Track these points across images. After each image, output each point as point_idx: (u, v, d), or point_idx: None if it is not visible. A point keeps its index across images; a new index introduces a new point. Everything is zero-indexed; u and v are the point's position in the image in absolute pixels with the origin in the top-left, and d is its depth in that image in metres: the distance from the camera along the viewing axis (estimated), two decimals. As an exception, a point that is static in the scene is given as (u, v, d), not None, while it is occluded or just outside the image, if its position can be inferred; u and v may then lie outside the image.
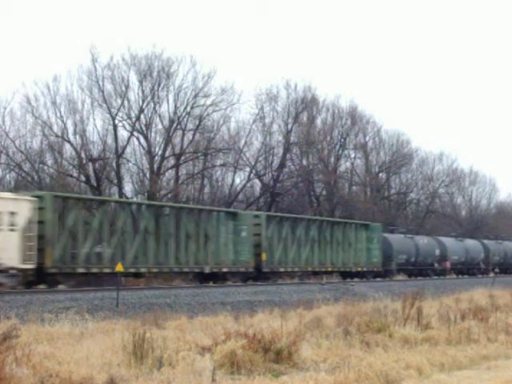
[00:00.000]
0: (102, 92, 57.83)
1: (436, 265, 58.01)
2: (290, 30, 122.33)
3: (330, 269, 45.21)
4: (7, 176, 59.30)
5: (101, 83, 57.83)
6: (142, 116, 59.47)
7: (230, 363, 13.15)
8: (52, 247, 29.46)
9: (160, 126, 60.80)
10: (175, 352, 13.28)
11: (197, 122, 61.10)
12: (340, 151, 73.72)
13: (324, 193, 72.95)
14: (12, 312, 20.22)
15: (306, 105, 70.53)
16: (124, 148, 59.30)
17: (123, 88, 58.35)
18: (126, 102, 58.59)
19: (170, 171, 62.31)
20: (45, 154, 58.64)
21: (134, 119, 59.06)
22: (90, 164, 57.82)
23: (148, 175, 60.15)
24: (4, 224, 27.49)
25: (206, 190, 67.60)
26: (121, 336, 14.25)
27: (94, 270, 31.01)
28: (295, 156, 71.16)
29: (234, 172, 67.22)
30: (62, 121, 57.90)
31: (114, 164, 58.57)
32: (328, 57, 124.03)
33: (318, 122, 73.14)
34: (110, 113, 58.29)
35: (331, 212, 68.74)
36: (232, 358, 13.22)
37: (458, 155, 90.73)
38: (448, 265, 59.21)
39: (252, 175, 68.20)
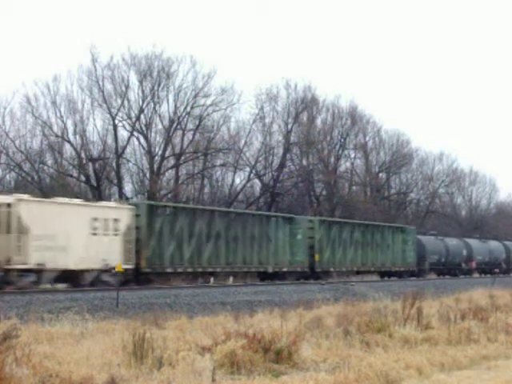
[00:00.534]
0: (102, 92, 57.88)
1: (463, 264, 61.88)
2: (289, 30, 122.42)
3: (372, 268, 49.67)
4: (7, 176, 59.40)
5: (101, 83, 57.91)
6: (142, 116, 59.53)
7: (230, 363, 13.15)
8: (146, 250, 33.34)
9: (160, 126, 60.89)
10: (175, 352, 13.27)
11: (197, 122, 61.14)
12: (340, 151, 73.75)
13: (324, 193, 72.97)
14: (12, 312, 20.21)
15: (306, 105, 70.55)
16: (124, 148, 59.33)
17: (123, 88, 58.41)
18: (126, 102, 58.65)
19: (170, 171, 62.36)
20: (45, 154, 58.69)
21: (134, 119, 59.10)
22: (90, 164, 57.86)
23: (148, 175, 60.19)
24: (109, 230, 31.50)
25: (206, 189, 67.65)
26: (121, 336, 14.25)
27: (179, 270, 35.16)
28: (295, 156, 71.19)
29: (234, 172, 67.28)
30: (62, 121, 57.98)
31: (114, 164, 58.60)
32: (328, 57, 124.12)
33: (318, 122, 73.21)
34: (110, 113, 58.34)
35: (331, 212, 68.77)
36: (232, 358, 13.22)
37: (457, 155, 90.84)
38: (474, 265, 62.92)
39: (252, 175, 68.25)
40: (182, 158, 61.59)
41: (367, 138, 77.33)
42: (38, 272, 28.82)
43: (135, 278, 32.93)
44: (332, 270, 45.51)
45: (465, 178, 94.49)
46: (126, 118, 59.14)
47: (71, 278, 30.34)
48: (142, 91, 59.01)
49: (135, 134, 59.90)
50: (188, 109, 60.56)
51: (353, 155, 76.39)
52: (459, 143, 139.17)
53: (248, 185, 69.05)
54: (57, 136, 57.77)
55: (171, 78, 60.06)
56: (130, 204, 34.47)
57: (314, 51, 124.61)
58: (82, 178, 58.22)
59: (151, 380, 11.83)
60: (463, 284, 41.45)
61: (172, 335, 15.85)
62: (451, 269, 60.03)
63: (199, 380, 11.92)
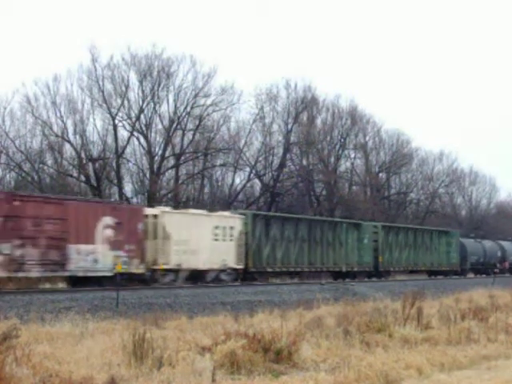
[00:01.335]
0: (102, 92, 57.85)
1: (498, 265, 65.88)
2: (289, 30, 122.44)
3: (423, 268, 55.37)
4: (7, 176, 59.34)
5: (101, 83, 57.87)
6: (142, 116, 59.51)
7: (230, 363, 13.14)
8: (252, 252, 39.19)
9: (160, 126, 60.87)
10: (175, 352, 13.27)
11: (197, 122, 61.12)
12: (340, 151, 73.74)
13: (324, 193, 72.97)
14: (12, 312, 20.22)
15: (306, 105, 70.54)
16: (124, 148, 59.31)
17: (123, 88, 58.39)
18: (126, 102, 58.62)
19: (169, 171, 62.34)
20: (45, 154, 58.65)
21: (134, 119, 59.07)
22: (90, 164, 57.84)
23: (148, 175, 60.17)
24: (227, 236, 37.32)
25: (206, 189, 67.65)
26: (121, 336, 14.25)
27: (277, 269, 41.24)
28: (295, 156, 71.19)
29: (234, 172, 67.27)
30: (62, 121, 57.94)
31: (114, 164, 58.58)
32: (328, 56, 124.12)
33: (318, 122, 73.18)
34: (110, 113, 58.32)
35: (331, 212, 68.79)
36: (232, 358, 13.21)
37: (457, 155, 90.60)
38: (507, 265, 67.57)
39: (252, 175, 68.24)
40: (182, 158, 61.58)
41: (367, 138, 77.34)
42: (176, 271, 34.39)
43: (244, 276, 38.74)
44: (392, 269, 51.58)
45: (465, 178, 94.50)
46: (126, 118, 59.13)
47: (198, 276, 35.71)
48: (142, 91, 59.01)
49: (135, 134, 59.90)
50: (188, 109, 60.57)
51: (353, 155, 76.42)
52: (459, 143, 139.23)
53: (248, 185, 69.08)
54: (57, 136, 57.74)
55: (171, 78, 60.08)
56: (240, 213, 40.02)
57: (314, 51, 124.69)
58: (82, 178, 58.19)
59: (151, 380, 11.83)
60: (463, 284, 41.47)
61: (172, 335, 15.85)
62: (487, 268, 64.60)
63: (199, 380, 11.92)
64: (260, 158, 68.03)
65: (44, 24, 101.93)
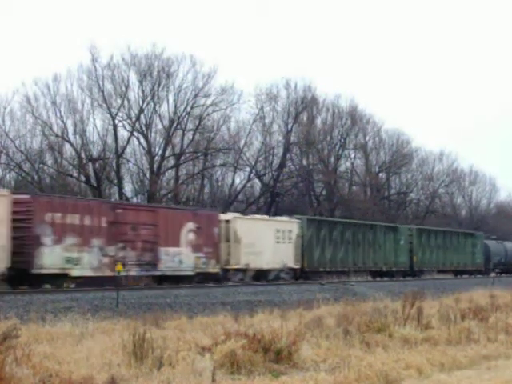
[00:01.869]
0: (102, 92, 57.84)
1: None
2: (289, 30, 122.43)
3: (451, 267, 59.33)
4: (7, 176, 59.32)
5: (101, 83, 57.86)
6: (142, 116, 59.50)
7: (230, 363, 13.13)
8: (307, 253, 42.96)
9: (160, 126, 60.86)
10: (175, 352, 13.26)
11: (197, 122, 61.11)
12: (340, 151, 73.74)
13: (324, 193, 72.97)
14: (12, 312, 20.21)
15: (306, 105, 70.53)
16: (124, 148, 59.31)
17: (123, 88, 58.38)
18: (126, 102, 58.61)
19: (169, 171, 62.33)
20: (45, 154, 58.63)
21: (134, 119, 59.06)
22: (90, 164, 57.83)
23: (148, 175, 60.16)
24: (286, 238, 41.27)
25: (206, 189, 67.63)
26: (121, 336, 14.24)
27: (327, 269, 44.93)
28: (295, 156, 71.17)
29: (234, 172, 67.26)
30: (62, 121, 57.93)
31: (114, 164, 58.57)
32: (328, 56, 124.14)
33: (318, 122, 73.17)
34: (110, 113, 58.31)
35: (331, 212, 68.79)
36: (232, 358, 13.20)
37: (457, 155, 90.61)
38: None
39: (252, 175, 68.24)
40: (182, 158, 61.57)
41: (367, 138, 77.32)
42: (244, 271, 38.30)
43: (301, 275, 42.47)
44: (425, 268, 55.58)
45: (465, 177, 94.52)
46: (126, 118, 59.13)
47: (262, 275, 39.48)
48: (142, 91, 59.01)
49: (135, 134, 59.89)
50: (188, 109, 60.56)
51: (353, 155, 76.42)
52: (459, 143, 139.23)
53: (248, 185, 69.08)
54: (57, 136, 57.73)
55: (171, 78, 60.07)
56: (296, 218, 43.61)
57: (314, 51, 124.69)
58: (82, 178, 58.18)
59: (151, 380, 11.83)
60: (463, 284, 41.46)
61: (172, 335, 15.84)
62: (509, 268, 68.04)
63: (199, 380, 11.92)
64: (260, 158, 68.04)
65: (44, 24, 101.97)
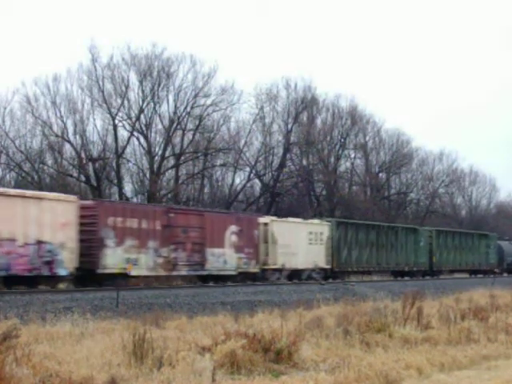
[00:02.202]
0: (102, 92, 57.82)
1: None
2: (289, 30, 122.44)
3: (467, 267, 62.04)
4: (7, 176, 59.33)
5: (101, 83, 57.84)
6: (142, 116, 59.48)
7: (230, 363, 13.13)
8: (335, 254, 45.40)
9: (160, 126, 60.85)
10: (175, 352, 13.26)
11: (197, 122, 61.09)
12: (340, 151, 73.72)
13: (324, 193, 72.95)
14: (12, 312, 20.21)
15: (306, 105, 70.51)
16: (124, 148, 59.29)
17: (123, 88, 58.36)
18: (126, 102, 58.59)
19: (170, 171, 62.31)
20: (45, 154, 58.62)
21: (134, 119, 59.05)
22: (90, 164, 57.81)
23: (148, 175, 60.15)
24: (318, 240, 43.77)
25: (206, 189, 67.62)
26: (121, 336, 14.24)
27: (354, 269, 47.79)
28: (295, 156, 71.16)
29: (234, 172, 67.25)
30: (62, 121, 57.91)
31: (114, 164, 58.55)
32: (328, 56, 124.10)
33: (318, 122, 73.16)
34: (110, 113, 58.29)
35: (331, 212, 68.76)
36: (232, 358, 13.20)
37: (457, 155, 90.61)
38: None
39: (252, 175, 68.22)
40: (182, 157, 61.55)
41: (367, 138, 77.31)
42: (280, 271, 40.73)
43: (331, 274, 45.04)
44: (443, 268, 58.49)
45: (465, 177, 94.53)
46: (126, 118, 59.11)
47: (296, 275, 41.88)
48: (142, 91, 58.99)
49: (135, 134, 59.88)
50: (188, 109, 60.55)
51: (353, 155, 76.39)
52: (459, 143, 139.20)
53: (248, 185, 69.05)
54: (57, 136, 57.72)
55: (171, 78, 60.05)
56: (326, 221, 46.46)
57: (314, 51, 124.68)
58: (82, 178, 58.18)
59: (151, 380, 11.83)
60: (463, 284, 41.44)
61: (172, 335, 15.84)
62: None
63: (199, 380, 11.92)
64: (260, 158, 68.03)
65: (44, 24, 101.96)
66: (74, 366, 12.18)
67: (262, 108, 68.21)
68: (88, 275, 30.51)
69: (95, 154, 58.35)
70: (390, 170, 79.05)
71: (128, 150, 60.04)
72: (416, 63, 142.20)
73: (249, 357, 13.36)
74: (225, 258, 36.90)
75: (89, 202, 32.01)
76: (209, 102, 61.13)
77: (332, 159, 72.62)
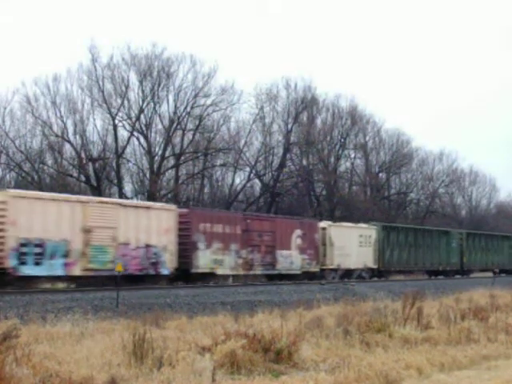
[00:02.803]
0: (102, 92, 57.86)
1: None
2: (289, 30, 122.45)
3: (492, 267, 65.19)
4: (7, 176, 59.38)
5: (101, 83, 57.88)
6: (142, 116, 59.51)
7: (230, 363, 13.12)
8: (381, 255, 49.58)
9: (160, 126, 60.89)
10: (175, 352, 13.25)
11: (197, 122, 61.12)
12: (340, 151, 73.75)
13: (324, 193, 72.97)
14: (12, 312, 20.20)
15: (306, 105, 70.54)
16: (124, 148, 59.32)
17: (123, 88, 58.39)
18: (126, 102, 58.64)
19: (169, 171, 62.34)
20: (45, 154, 58.67)
21: (134, 119, 59.08)
22: (90, 164, 57.84)
23: (148, 175, 60.18)
24: (367, 242, 48.09)
25: (206, 189, 67.66)
26: (121, 336, 14.23)
27: (397, 269, 51.96)
28: (295, 156, 71.17)
29: (234, 172, 67.28)
30: (62, 121, 57.96)
31: (114, 164, 58.59)
32: (328, 56, 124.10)
33: (318, 122, 73.20)
34: (110, 113, 58.32)
35: (331, 212, 68.77)
36: (232, 358, 13.19)
37: (457, 155, 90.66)
38: None
39: (252, 175, 68.24)
40: (182, 157, 61.57)
41: (367, 138, 77.35)
42: (335, 270, 44.88)
43: (377, 273, 49.10)
44: (473, 268, 62.17)
45: (465, 177, 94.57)
46: (126, 118, 59.15)
47: (348, 274, 45.88)
48: (142, 91, 59.02)
49: (135, 134, 59.91)
50: (188, 109, 60.58)
51: (353, 155, 76.44)
52: (459, 143, 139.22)
53: (248, 185, 69.09)
54: (57, 136, 57.74)
55: (171, 78, 60.10)
56: (373, 225, 50.46)
57: (314, 51, 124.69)
58: (82, 178, 58.20)
59: (151, 380, 11.82)
60: (463, 284, 41.43)
61: (172, 335, 15.83)
62: None
63: (199, 380, 11.91)
64: (260, 158, 68.06)
65: (44, 24, 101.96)
66: (74, 366, 12.18)
67: (262, 108, 68.30)
68: (183, 274, 34.70)
69: (95, 154, 58.38)
70: (390, 170, 79.06)
71: (128, 150, 60.13)
72: (416, 63, 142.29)
73: (249, 357, 13.35)
74: (291, 258, 41.21)
75: (184, 210, 35.96)
76: (209, 101, 61.23)
77: (332, 159, 72.64)
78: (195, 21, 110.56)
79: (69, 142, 57.78)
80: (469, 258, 61.31)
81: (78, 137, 58.14)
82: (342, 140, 73.52)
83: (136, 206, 32.95)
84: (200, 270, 35.33)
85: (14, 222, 27.47)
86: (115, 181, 59.05)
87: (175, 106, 60.21)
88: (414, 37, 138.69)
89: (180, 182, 62.19)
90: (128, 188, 61.70)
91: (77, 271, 29.62)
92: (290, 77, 70.91)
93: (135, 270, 31.96)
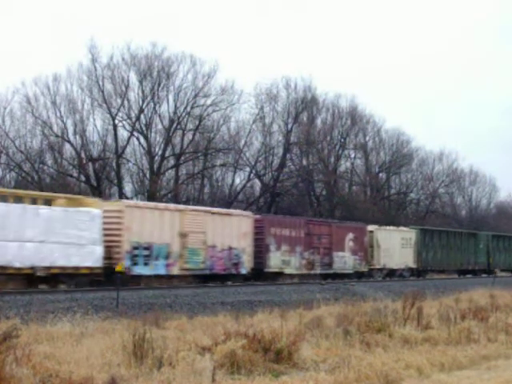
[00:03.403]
0: (102, 92, 57.87)
1: None
2: (289, 30, 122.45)
3: None
4: (7, 176, 59.36)
5: (101, 83, 57.90)
6: (142, 116, 59.53)
7: (230, 363, 13.12)
8: (420, 256, 53.84)
9: (160, 126, 60.91)
10: (175, 352, 13.25)
11: (197, 122, 61.14)
12: (340, 151, 73.74)
13: (324, 193, 72.96)
14: (12, 312, 20.18)
15: (306, 105, 70.53)
16: (124, 148, 59.33)
17: (123, 88, 58.41)
18: (126, 102, 58.65)
19: (169, 171, 62.35)
20: (45, 154, 58.69)
21: (134, 119, 59.09)
22: (90, 164, 57.86)
23: (148, 175, 60.19)
24: (408, 244, 52.27)
25: (206, 189, 67.65)
26: (121, 336, 14.23)
27: (433, 268, 55.85)
28: (295, 156, 71.17)
29: (234, 172, 67.29)
30: (62, 121, 57.98)
31: (114, 164, 58.60)
32: (328, 56, 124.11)
33: (318, 122, 73.19)
34: (110, 113, 58.34)
35: (331, 212, 68.76)
36: (232, 358, 13.19)
37: (457, 155, 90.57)
38: None
39: (252, 175, 68.25)
40: (182, 158, 61.58)
41: (367, 138, 77.34)
42: (381, 270, 49.32)
43: (416, 273, 53.09)
44: (497, 268, 64.85)
45: (465, 177, 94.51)
46: (126, 118, 59.18)
47: (391, 273, 50.26)
48: (142, 91, 59.03)
49: (135, 134, 59.93)
50: (188, 109, 60.59)
51: (353, 155, 76.44)
52: (459, 143, 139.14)
53: (248, 185, 69.09)
54: (57, 136, 57.76)
55: (171, 78, 60.13)
56: (413, 228, 55.26)
57: (315, 51, 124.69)
58: (82, 177, 58.22)
59: (151, 380, 11.82)
60: (463, 284, 41.40)
61: (172, 335, 15.82)
62: None
63: (199, 380, 11.91)
64: (260, 158, 68.06)
65: (44, 24, 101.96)
66: (74, 366, 12.17)
67: (262, 108, 68.29)
68: (257, 274, 38.73)
69: (95, 154, 58.40)
70: (390, 170, 79.05)
71: (128, 149, 60.15)
72: (416, 63, 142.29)
73: (249, 357, 13.35)
74: (345, 259, 45.49)
75: (258, 217, 40.23)
76: (209, 101, 61.26)
77: (332, 159, 72.64)
78: (195, 21, 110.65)
79: (69, 142, 57.80)
80: (495, 258, 65.14)
81: (78, 137, 58.20)
82: (342, 140, 73.52)
83: (220, 213, 37.09)
84: (271, 270, 39.79)
85: (129, 228, 31.43)
86: (115, 181, 59.06)
87: (175, 106, 60.26)
88: (414, 37, 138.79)
89: (180, 182, 62.20)
90: (128, 188, 61.78)
91: (175, 271, 33.82)
92: (290, 77, 70.96)
93: (220, 269, 36.16)
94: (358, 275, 46.35)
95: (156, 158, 60.21)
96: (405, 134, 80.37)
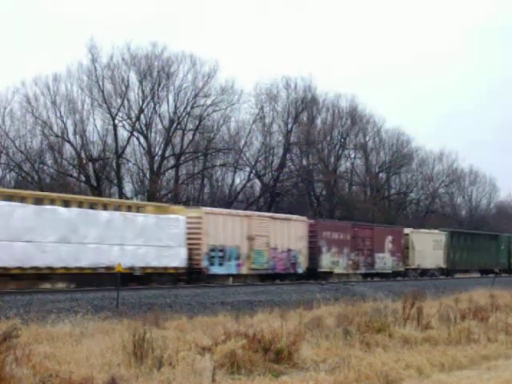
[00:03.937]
0: (102, 92, 57.88)
1: None
2: (289, 30, 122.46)
3: None
4: (7, 176, 59.38)
5: (101, 83, 57.92)
6: (142, 116, 59.53)
7: (230, 363, 13.11)
8: (449, 256, 57.58)
9: (160, 126, 60.91)
10: (175, 352, 13.24)
11: (197, 122, 61.14)
12: (340, 151, 73.74)
13: (324, 193, 72.96)
14: (12, 312, 20.18)
15: (306, 105, 70.53)
16: (124, 148, 59.34)
17: (123, 88, 58.42)
18: (126, 102, 58.66)
19: (169, 171, 62.35)
20: (45, 154, 58.70)
21: (134, 119, 59.10)
22: (90, 164, 57.86)
23: (148, 175, 60.19)
24: (438, 246, 56.20)
25: (206, 189, 67.66)
26: (121, 336, 14.22)
27: (460, 268, 60.05)
28: (295, 156, 71.17)
29: (234, 172, 67.29)
30: (62, 121, 57.99)
31: (114, 164, 58.60)
32: (328, 56, 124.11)
33: (318, 122, 73.19)
34: (110, 113, 58.34)
35: (331, 212, 68.75)
36: (232, 358, 13.18)
37: (457, 155, 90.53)
38: None
39: (252, 175, 68.25)
40: (182, 158, 61.59)
41: (367, 138, 77.32)
42: (415, 270, 53.15)
43: (445, 272, 56.94)
44: None
45: (465, 177, 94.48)
46: (126, 118, 59.19)
47: (424, 273, 54.00)
48: (142, 91, 59.04)
49: (135, 133, 59.94)
50: (188, 109, 60.59)
51: (353, 155, 76.44)
52: (459, 143, 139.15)
53: (248, 185, 69.10)
54: (57, 136, 57.76)
55: (171, 78, 60.14)
56: (443, 231, 58.57)
57: (315, 51, 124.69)
58: (82, 177, 58.22)
59: (151, 380, 11.81)
60: (463, 284, 41.39)
61: (172, 335, 15.81)
62: None
63: (199, 380, 11.90)
64: (260, 158, 68.06)
65: (44, 24, 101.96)
66: (74, 366, 12.16)
67: (262, 108, 68.30)
68: (311, 273, 41.93)
69: (95, 154, 58.40)
70: (390, 170, 79.05)
71: (128, 149, 60.16)
72: (416, 63, 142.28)
73: (249, 357, 13.34)
74: (385, 260, 49.34)
75: (312, 221, 43.83)
76: (209, 101, 61.28)
77: (332, 159, 72.64)
78: (195, 21, 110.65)
79: (69, 142, 57.81)
80: None
81: (78, 137, 58.21)
82: (342, 140, 73.51)
83: (281, 219, 41.07)
84: (323, 270, 43.61)
85: (206, 232, 35.39)
86: (115, 181, 59.06)
87: (175, 106, 60.26)
88: (414, 37, 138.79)
89: (180, 181, 62.20)
90: (128, 188, 61.78)
91: (244, 270, 37.77)
92: (290, 77, 70.94)
93: (281, 269, 40.16)
94: (395, 274, 49.86)
95: (156, 158, 60.22)
96: (405, 134, 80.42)
